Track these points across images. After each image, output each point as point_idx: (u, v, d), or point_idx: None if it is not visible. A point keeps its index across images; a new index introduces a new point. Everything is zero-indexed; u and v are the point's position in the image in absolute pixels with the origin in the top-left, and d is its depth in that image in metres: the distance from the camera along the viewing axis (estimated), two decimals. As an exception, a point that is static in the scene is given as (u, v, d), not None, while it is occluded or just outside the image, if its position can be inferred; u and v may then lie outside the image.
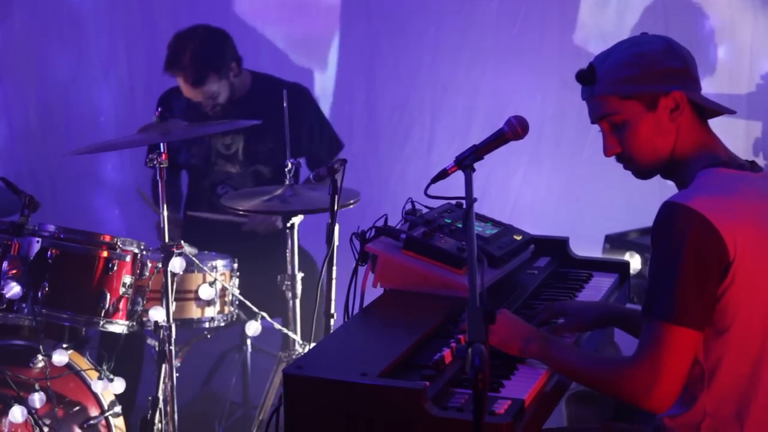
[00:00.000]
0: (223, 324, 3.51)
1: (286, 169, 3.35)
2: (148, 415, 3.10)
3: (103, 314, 3.13)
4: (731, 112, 2.25)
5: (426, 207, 2.70)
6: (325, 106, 4.87)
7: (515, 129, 2.32)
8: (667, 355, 2.01)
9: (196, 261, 3.27)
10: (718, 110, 2.21)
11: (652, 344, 2.03)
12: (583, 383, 2.22)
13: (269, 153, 3.94)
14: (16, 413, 2.97)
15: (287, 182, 3.35)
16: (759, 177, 2.17)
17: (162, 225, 3.09)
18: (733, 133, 4.44)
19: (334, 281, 2.96)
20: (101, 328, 3.18)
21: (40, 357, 3.07)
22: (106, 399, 3.19)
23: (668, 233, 2.02)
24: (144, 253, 3.21)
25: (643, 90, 2.13)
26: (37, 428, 3.01)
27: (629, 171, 2.24)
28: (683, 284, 2.00)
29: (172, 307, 3.09)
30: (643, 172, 2.23)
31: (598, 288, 2.80)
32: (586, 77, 2.19)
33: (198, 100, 3.88)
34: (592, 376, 2.13)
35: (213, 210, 3.93)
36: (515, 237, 2.77)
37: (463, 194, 2.15)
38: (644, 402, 2.05)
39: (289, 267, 3.38)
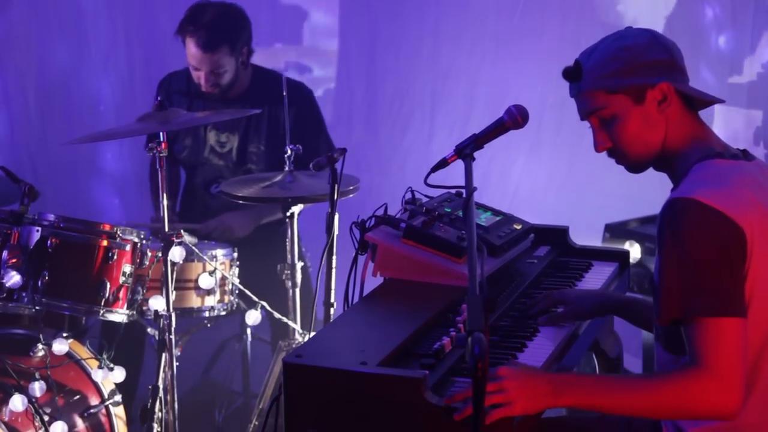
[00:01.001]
0: (223, 313, 3.51)
1: (285, 155, 3.34)
2: (149, 404, 3.11)
3: (103, 303, 3.13)
4: (720, 102, 2.24)
5: (426, 196, 2.69)
6: (325, 95, 4.87)
7: (515, 118, 2.32)
8: (735, 350, 1.93)
9: (196, 250, 3.28)
10: (707, 100, 2.21)
11: (714, 344, 1.93)
12: (642, 415, 2.06)
13: (262, 154, 3.89)
14: (17, 402, 2.97)
15: (287, 168, 3.35)
16: (753, 165, 2.17)
17: (162, 214, 3.09)
18: (733, 122, 4.44)
19: (333, 270, 2.96)
20: (101, 317, 3.18)
21: (40, 346, 3.08)
22: (107, 388, 3.19)
23: (685, 230, 1.98)
24: (144, 242, 3.21)
25: (629, 83, 2.13)
26: (38, 417, 3.01)
27: (621, 165, 2.24)
28: (719, 276, 1.95)
29: (172, 297, 3.09)
30: (635, 165, 2.22)
31: (597, 277, 2.80)
32: (572, 74, 2.19)
33: (202, 70, 3.74)
34: (654, 403, 1.98)
35: (207, 210, 3.89)
36: (515, 226, 2.77)
37: (462, 183, 2.15)
38: (728, 408, 1.94)
39: (288, 256, 3.38)
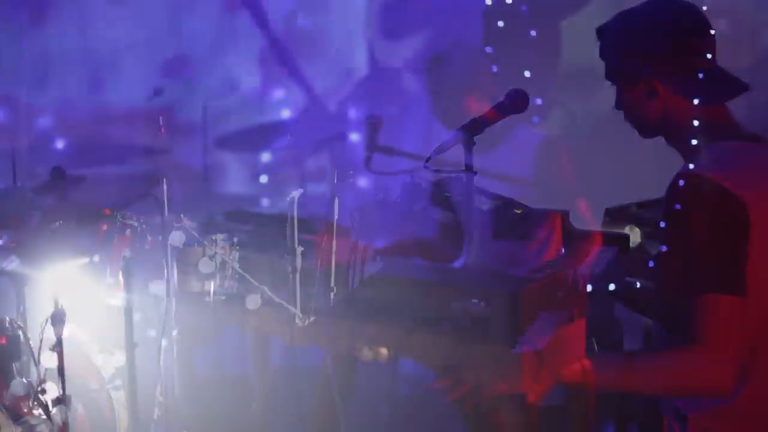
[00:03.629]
0: (223, 298, 3.50)
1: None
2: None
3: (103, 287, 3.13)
4: (729, 98, 2.22)
5: (426, 179, 2.69)
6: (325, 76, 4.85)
7: (515, 102, 2.31)
8: (731, 328, 1.93)
9: (196, 235, 3.27)
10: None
11: (712, 320, 1.93)
12: (650, 394, 2.08)
13: None
14: (17, 385, 2.97)
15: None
16: (762, 148, 2.16)
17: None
18: (734, 106, 4.42)
19: (333, 255, 2.95)
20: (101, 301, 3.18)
21: (41, 329, 3.08)
22: (107, 372, 3.19)
23: (692, 206, 1.99)
24: (144, 226, 3.21)
25: (621, 67, 2.14)
26: (38, 400, 3.01)
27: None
28: (721, 254, 1.96)
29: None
30: (640, 131, 2.27)
31: (597, 261, 2.79)
32: (598, 35, 2.25)
33: None
34: (647, 379, 1.99)
35: None
36: (515, 210, 2.76)
37: (463, 167, 2.14)
38: (722, 384, 1.94)
39: (288, 241, 3.36)
